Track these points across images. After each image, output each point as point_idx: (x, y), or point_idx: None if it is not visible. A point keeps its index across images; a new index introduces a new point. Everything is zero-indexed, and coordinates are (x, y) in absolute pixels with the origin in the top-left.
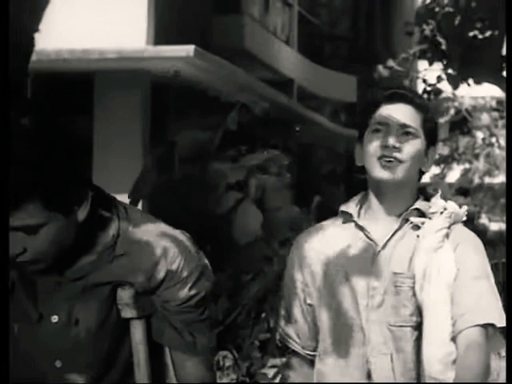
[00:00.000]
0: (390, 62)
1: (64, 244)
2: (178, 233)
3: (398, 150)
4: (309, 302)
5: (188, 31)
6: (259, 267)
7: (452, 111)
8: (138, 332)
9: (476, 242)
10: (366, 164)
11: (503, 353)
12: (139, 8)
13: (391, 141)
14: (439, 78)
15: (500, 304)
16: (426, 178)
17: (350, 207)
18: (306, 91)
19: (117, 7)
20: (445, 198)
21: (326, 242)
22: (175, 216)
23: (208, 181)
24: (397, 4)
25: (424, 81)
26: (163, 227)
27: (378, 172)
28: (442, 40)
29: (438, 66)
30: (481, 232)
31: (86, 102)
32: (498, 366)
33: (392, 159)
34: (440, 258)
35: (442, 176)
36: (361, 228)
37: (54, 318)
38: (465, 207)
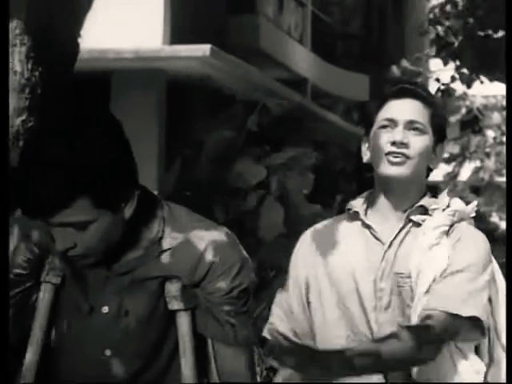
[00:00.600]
0: (404, 62)
1: (112, 240)
2: (219, 227)
3: (406, 146)
4: (310, 299)
5: (204, 31)
6: (282, 263)
7: (463, 110)
8: (184, 323)
9: (477, 239)
10: (373, 160)
11: (470, 354)
12: (155, 8)
13: (399, 137)
14: (453, 78)
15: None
16: (438, 177)
17: (357, 205)
18: (320, 90)
19: (133, 7)
20: (461, 197)
21: (331, 240)
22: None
23: (231, 182)
24: (409, 2)
25: (437, 80)
26: (205, 222)
27: (386, 168)
28: (454, 39)
29: (450, 66)
30: (491, 230)
31: (102, 101)
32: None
33: (399, 155)
34: (434, 255)
35: (453, 174)
36: (367, 226)
37: (105, 309)
38: (473, 204)
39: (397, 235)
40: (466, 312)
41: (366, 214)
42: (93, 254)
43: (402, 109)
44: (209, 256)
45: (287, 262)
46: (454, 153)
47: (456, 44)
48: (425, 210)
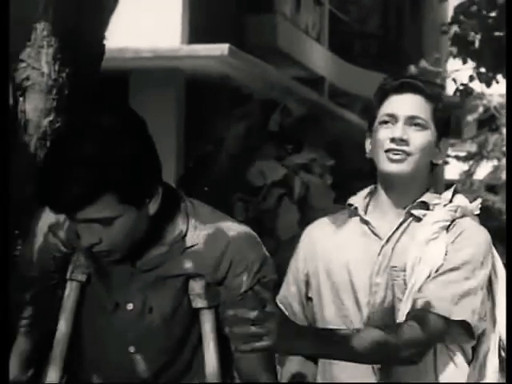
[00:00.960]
0: (423, 63)
1: (136, 236)
2: (241, 225)
3: (406, 142)
4: (309, 295)
5: (222, 30)
6: None
7: (480, 109)
8: (208, 321)
9: (478, 235)
10: (374, 157)
11: (458, 357)
12: (174, 7)
13: (398, 133)
14: (471, 78)
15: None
16: (454, 175)
17: (358, 200)
18: (337, 88)
19: (152, 7)
20: (477, 195)
21: (331, 236)
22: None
23: (250, 178)
24: (427, 1)
25: (454, 80)
26: (227, 220)
27: (386, 165)
28: (474, 38)
29: (469, 66)
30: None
31: (120, 100)
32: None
33: (400, 152)
34: (430, 251)
35: (470, 173)
36: (366, 222)
37: (129, 306)
38: (477, 202)
39: (396, 230)
40: (456, 315)
41: (366, 209)
42: (118, 250)
43: (403, 104)
44: (231, 253)
45: None
46: (472, 151)
47: (476, 43)
48: (426, 206)
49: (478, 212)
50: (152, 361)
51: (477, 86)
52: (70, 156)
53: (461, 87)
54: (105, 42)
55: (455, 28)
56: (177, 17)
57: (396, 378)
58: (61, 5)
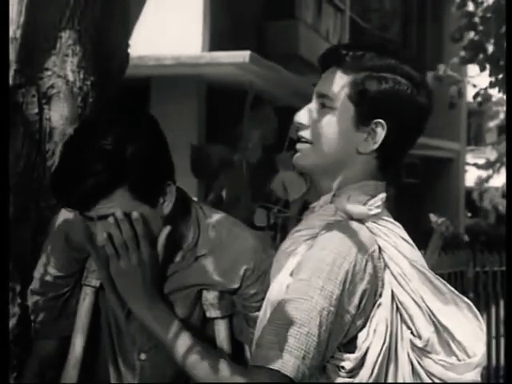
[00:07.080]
0: (442, 68)
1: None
2: (254, 232)
3: (306, 127)
4: None
5: (243, 37)
6: None
7: (502, 115)
8: (222, 330)
9: (327, 249)
10: None
11: None
12: (195, 15)
13: (297, 117)
14: (491, 83)
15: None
16: (470, 182)
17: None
18: None
19: (173, 14)
20: (493, 203)
21: None
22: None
23: (272, 190)
24: (448, 8)
25: (474, 86)
26: (240, 227)
27: None
28: (489, 45)
29: (488, 72)
30: None
31: (142, 107)
32: None
33: (301, 140)
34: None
35: (486, 179)
36: None
37: None
38: (375, 200)
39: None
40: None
41: None
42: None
43: (319, 82)
44: (244, 262)
45: None
46: (491, 159)
47: (490, 49)
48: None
49: (374, 212)
50: (163, 369)
51: (497, 93)
52: (84, 150)
53: (482, 92)
54: (129, 50)
55: (466, 34)
56: (198, 24)
57: None
58: (86, 13)
